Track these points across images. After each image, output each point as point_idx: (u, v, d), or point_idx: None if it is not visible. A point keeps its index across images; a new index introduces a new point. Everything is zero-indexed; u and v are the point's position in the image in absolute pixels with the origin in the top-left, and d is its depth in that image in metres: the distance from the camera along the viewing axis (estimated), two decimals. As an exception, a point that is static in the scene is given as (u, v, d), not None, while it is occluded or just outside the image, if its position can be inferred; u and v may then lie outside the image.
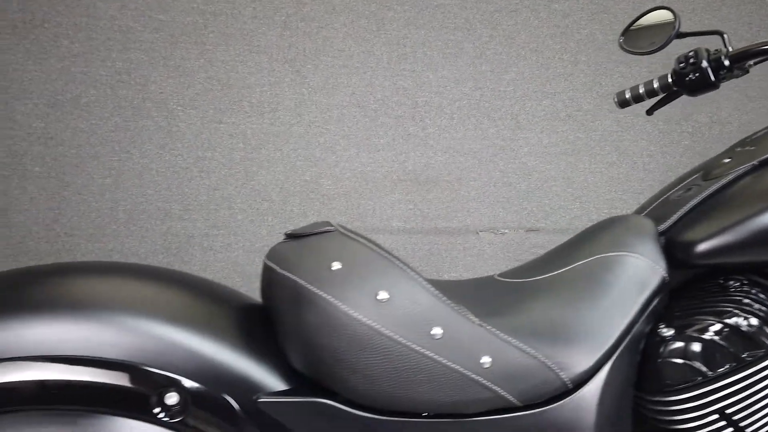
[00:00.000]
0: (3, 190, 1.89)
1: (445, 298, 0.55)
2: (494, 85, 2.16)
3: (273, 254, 0.60)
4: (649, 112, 1.13)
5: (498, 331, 0.56)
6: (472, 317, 0.55)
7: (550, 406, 0.57)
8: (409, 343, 0.52)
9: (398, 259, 0.56)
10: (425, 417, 0.54)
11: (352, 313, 0.51)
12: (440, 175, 2.15)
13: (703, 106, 2.25)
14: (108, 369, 0.49)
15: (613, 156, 2.25)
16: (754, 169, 0.69)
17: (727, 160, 0.75)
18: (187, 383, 0.50)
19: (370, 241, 0.58)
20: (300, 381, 0.54)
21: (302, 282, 0.53)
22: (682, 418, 0.62)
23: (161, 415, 0.49)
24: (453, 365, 0.53)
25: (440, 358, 0.53)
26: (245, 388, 0.52)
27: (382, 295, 0.53)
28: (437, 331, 0.53)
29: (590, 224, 2.42)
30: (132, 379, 0.49)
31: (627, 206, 2.26)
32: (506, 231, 2.20)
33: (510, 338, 0.56)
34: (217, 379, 0.51)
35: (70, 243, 1.93)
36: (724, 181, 0.70)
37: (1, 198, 1.89)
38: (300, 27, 2.05)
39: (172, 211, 1.99)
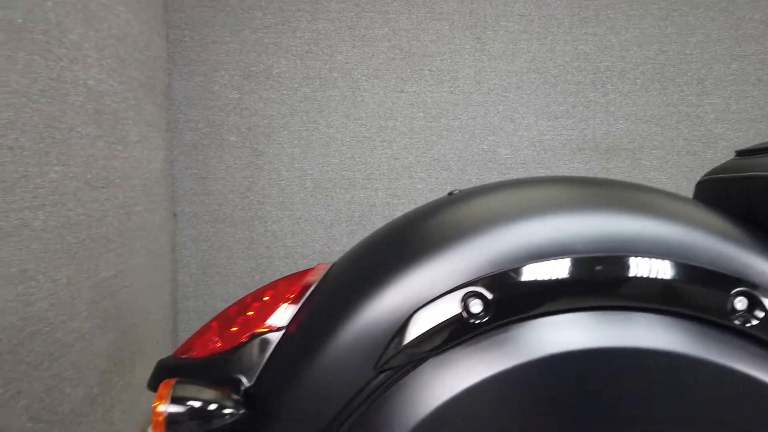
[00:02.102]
0: (203, 159, 1.97)
1: None
2: (680, 48, 2.06)
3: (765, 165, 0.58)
4: None
5: None
6: None
7: None
8: None
9: None
10: None
11: None
12: (621, 143, 2.08)
13: None
14: (687, 274, 0.48)
15: (807, 121, 2.10)
16: None
17: None
18: (755, 287, 0.48)
19: None
20: None
21: None
22: None
23: (734, 320, 0.48)
24: None
25: None
26: None
27: None
28: None
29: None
30: (708, 284, 0.48)
31: (822, 175, 2.12)
32: (689, 201, 2.09)
33: None
34: None
35: (262, 210, 1.99)
36: None
37: (200, 166, 1.97)
38: (481, -7, 2.02)
39: (355, 180, 2.02)
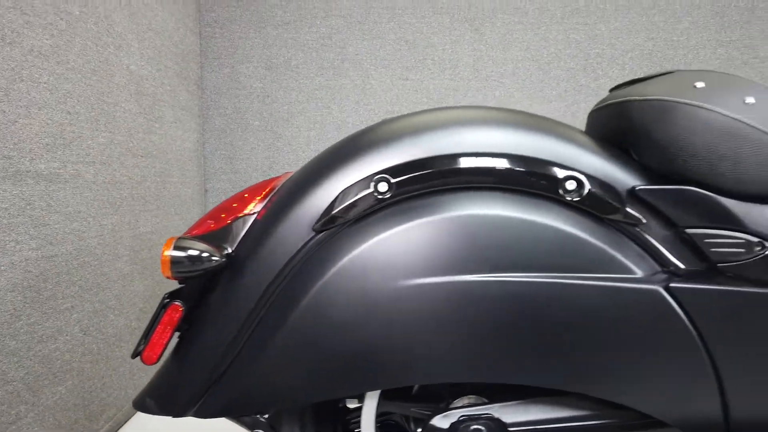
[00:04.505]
0: (230, 141, 2.23)
1: None
2: (667, 35, 2.21)
3: (618, 95, 0.76)
4: None
5: None
6: None
7: None
8: None
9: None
10: None
11: (723, 111, 0.66)
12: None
13: None
14: (526, 163, 0.68)
15: (793, 102, 2.21)
16: None
17: None
18: (582, 175, 0.67)
19: (726, 72, 0.72)
20: (663, 182, 0.70)
21: (673, 99, 0.69)
22: None
23: (565, 196, 0.67)
24: None
25: None
26: (623, 181, 0.69)
27: (749, 99, 0.67)
28: None
29: None
30: (544, 169, 0.68)
31: (808, 153, 2.22)
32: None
33: None
34: (601, 173, 0.68)
35: (281, 186, 2.24)
36: None
37: (228, 148, 2.23)
38: (479, -11, 2.21)
39: (365, 160, 2.24)
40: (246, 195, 0.80)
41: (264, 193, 0.79)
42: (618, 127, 0.75)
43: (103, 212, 1.37)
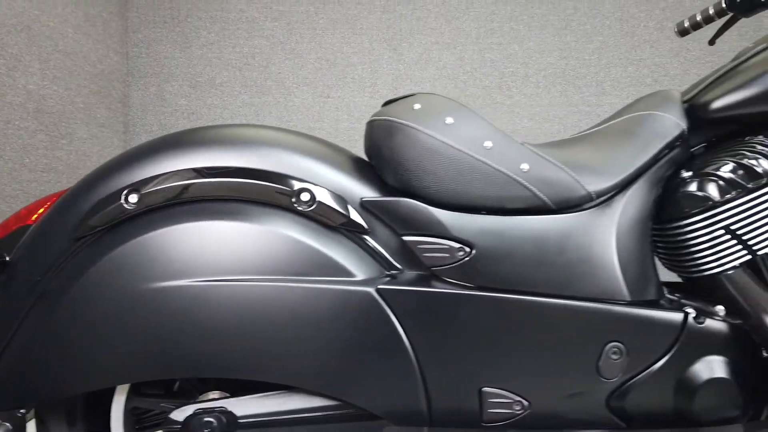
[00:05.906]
0: (155, 157, 2.29)
1: (495, 125, 0.74)
2: (579, 54, 2.28)
3: (373, 116, 0.83)
4: (711, 42, 1.23)
5: (536, 149, 0.75)
6: (516, 139, 0.73)
7: (579, 212, 0.74)
8: (468, 152, 0.72)
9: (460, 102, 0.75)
10: (483, 214, 0.73)
11: (428, 132, 0.73)
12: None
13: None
14: (263, 177, 0.74)
15: (702, 118, 2.27)
16: (766, 49, 0.82)
17: (751, 45, 0.88)
18: (315, 187, 0.73)
19: (444, 96, 0.79)
20: (392, 194, 0.76)
21: (394, 119, 0.75)
22: (696, 235, 0.77)
23: (297, 206, 0.73)
24: (500, 168, 0.72)
25: (491, 162, 0.72)
26: (354, 193, 0.74)
27: (449, 120, 0.74)
28: (488, 144, 0.73)
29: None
30: (279, 183, 0.74)
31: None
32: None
33: (545, 155, 0.74)
34: (335, 186, 0.74)
35: (205, 201, 2.30)
36: (741, 59, 0.83)
37: (153, 163, 2.30)
38: (397, 9, 2.29)
39: (287, 175, 2.30)
40: (34, 206, 0.86)
41: (49, 203, 0.85)
42: (367, 143, 0.82)
43: (-13, 224, 1.43)
